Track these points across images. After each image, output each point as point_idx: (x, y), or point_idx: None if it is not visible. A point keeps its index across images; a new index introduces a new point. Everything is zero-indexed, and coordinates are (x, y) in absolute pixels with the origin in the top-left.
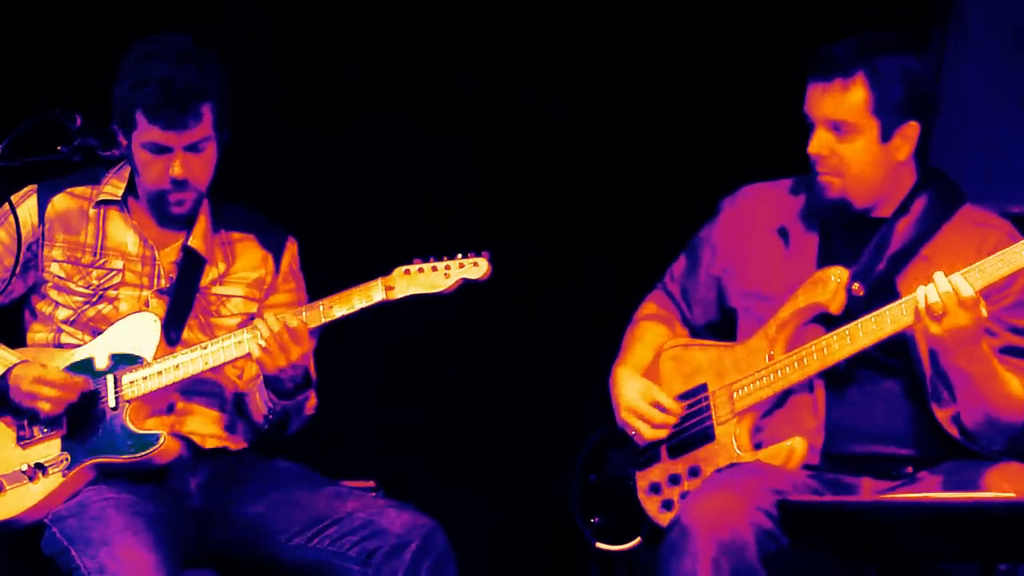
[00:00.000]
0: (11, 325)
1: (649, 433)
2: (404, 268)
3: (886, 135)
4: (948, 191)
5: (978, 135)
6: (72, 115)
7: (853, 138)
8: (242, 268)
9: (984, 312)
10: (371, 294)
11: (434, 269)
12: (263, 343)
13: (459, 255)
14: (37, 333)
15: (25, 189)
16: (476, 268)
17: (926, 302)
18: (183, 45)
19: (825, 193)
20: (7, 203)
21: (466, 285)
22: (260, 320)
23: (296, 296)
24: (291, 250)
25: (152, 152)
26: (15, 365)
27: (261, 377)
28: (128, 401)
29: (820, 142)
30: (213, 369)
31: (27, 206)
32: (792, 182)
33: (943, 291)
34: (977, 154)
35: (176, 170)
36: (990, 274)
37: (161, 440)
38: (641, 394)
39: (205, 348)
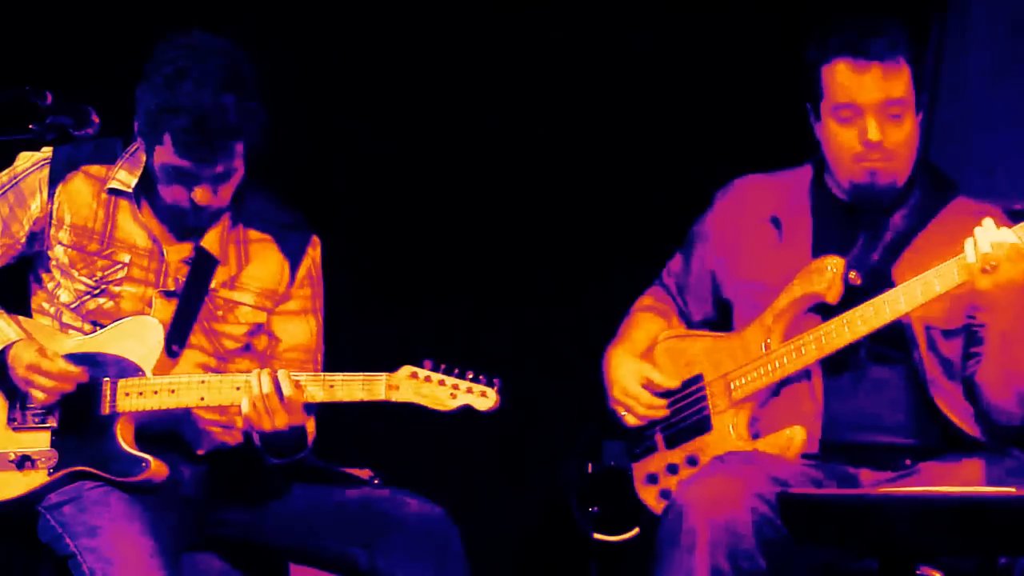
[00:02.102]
0: (14, 286)
1: (641, 412)
2: (412, 371)
3: (918, 110)
4: (940, 180)
5: (980, 131)
6: (43, 92)
7: (904, 119)
8: (255, 273)
9: None
10: (374, 389)
11: (441, 383)
12: (251, 403)
13: (470, 374)
14: (41, 300)
15: (42, 153)
16: (484, 399)
17: (978, 252)
18: (223, 66)
19: (877, 180)
20: (12, 168)
21: (468, 411)
22: (255, 375)
23: (309, 304)
24: (312, 255)
25: (175, 177)
26: (13, 343)
27: None
28: (120, 413)
29: (878, 127)
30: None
31: (38, 177)
32: (785, 173)
33: (996, 240)
34: (979, 150)
35: (199, 196)
36: None
37: (148, 466)
38: (634, 375)
39: (203, 382)
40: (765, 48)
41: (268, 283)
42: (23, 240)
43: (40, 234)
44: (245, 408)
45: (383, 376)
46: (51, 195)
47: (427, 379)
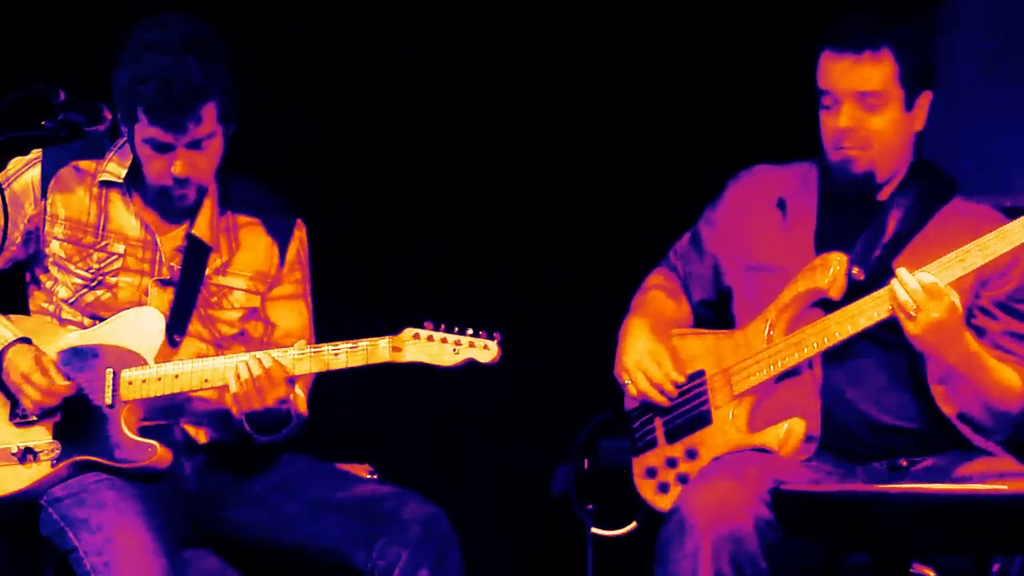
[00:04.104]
0: (11, 286)
1: (644, 385)
2: (414, 332)
3: (909, 105)
4: (941, 178)
5: (969, 127)
6: (55, 90)
7: (883, 110)
8: (246, 257)
9: (959, 305)
10: (378, 352)
11: (444, 341)
12: (239, 385)
13: (470, 331)
14: (40, 301)
15: (31, 155)
16: (486, 352)
17: (896, 301)
18: (185, 33)
19: (851, 168)
20: (3, 173)
21: (472, 365)
22: (243, 362)
23: (300, 288)
24: (298, 236)
25: (153, 149)
26: (10, 346)
27: None
28: (124, 402)
29: (850, 115)
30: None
31: (31, 176)
32: (797, 164)
33: (911, 287)
34: (968, 147)
35: (177, 169)
36: (970, 262)
37: (154, 452)
38: (649, 350)
39: (207, 365)
40: (785, 42)
41: (259, 266)
42: (18, 241)
43: (35, 233)
44: (234, 388)
45: (386, 339)
46: (44, 193)
47: (429, 338)
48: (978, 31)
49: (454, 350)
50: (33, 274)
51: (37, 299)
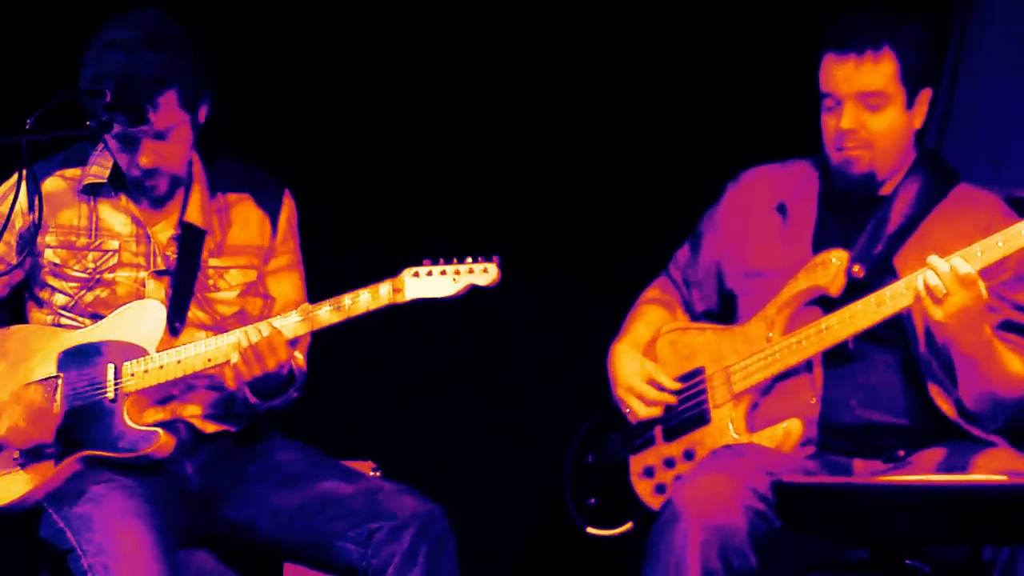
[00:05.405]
0: (13, 308)
1: (643, 411)
2: (413, 270)
3: (910, 103)
4: (942, 170)
5: (992, 119)
6: (102, 91)
7: (884, 110)
8: (239, 235)
9: (984, 293)
10: (379, 295)
11: (443, 273)
12: (239, 354)
13: (468, 258)
14: (40, 317)
15: (16, 175)
16: (485, 274)
17: (926, 285)
18: (147, 30)
19: (852, 168)
20: (14, 180)
21: (474, 290)
22: (241, 332)
23: (294, 257)
24: (288, 206)
25: (119, 142)
26: None
27: None
28: (127, 394)
29: (852, 117)
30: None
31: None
32: (797, 162)
33: (942, 271)
34: (989, 138)
35: (143, 160)
36: (990, 254)
37: (157, 438)
38: (638, 372)
39: (209, 345)
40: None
41: (253, 241)
42: (15, 262)
43: (29, 245)
44: (235, 360)
45: (386, 281)
46: (31, 205)
47: (429, 273)
48: (1006, 24)
49: (454, 279)
50: (31, 291)
51: (36, 317)
